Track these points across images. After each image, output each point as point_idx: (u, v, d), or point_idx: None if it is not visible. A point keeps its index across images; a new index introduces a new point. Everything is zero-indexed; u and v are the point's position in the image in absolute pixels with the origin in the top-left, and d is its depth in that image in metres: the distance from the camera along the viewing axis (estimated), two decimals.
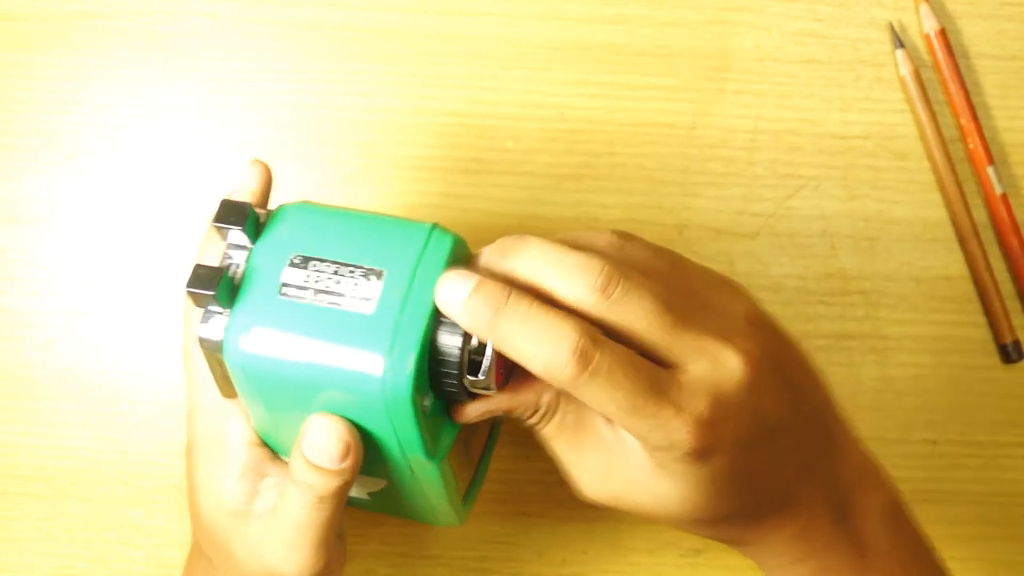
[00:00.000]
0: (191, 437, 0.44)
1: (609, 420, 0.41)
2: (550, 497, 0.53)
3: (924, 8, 0.54)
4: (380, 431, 0.39)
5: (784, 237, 0.54)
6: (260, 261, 0.38)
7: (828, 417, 0.45)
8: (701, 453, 0.38)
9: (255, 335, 0.38)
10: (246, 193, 0.43)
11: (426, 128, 0.54)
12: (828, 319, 0.54)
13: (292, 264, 0.38)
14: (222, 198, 0.39)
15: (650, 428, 0.38)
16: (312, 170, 0.54)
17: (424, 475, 0.40)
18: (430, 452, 0.39)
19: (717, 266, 0.53)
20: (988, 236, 0.54)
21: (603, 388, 0.37)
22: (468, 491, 0.45)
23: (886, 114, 0.54)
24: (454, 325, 0.38)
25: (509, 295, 0.38)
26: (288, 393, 0.39)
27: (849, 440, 0.45)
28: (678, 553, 0.53)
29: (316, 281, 0.38)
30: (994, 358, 0.54)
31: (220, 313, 0.38)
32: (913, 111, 0.54)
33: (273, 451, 0.42)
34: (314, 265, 0.38)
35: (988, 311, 0.54)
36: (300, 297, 0.38)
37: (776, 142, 0.54)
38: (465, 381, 0.38)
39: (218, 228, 0.38)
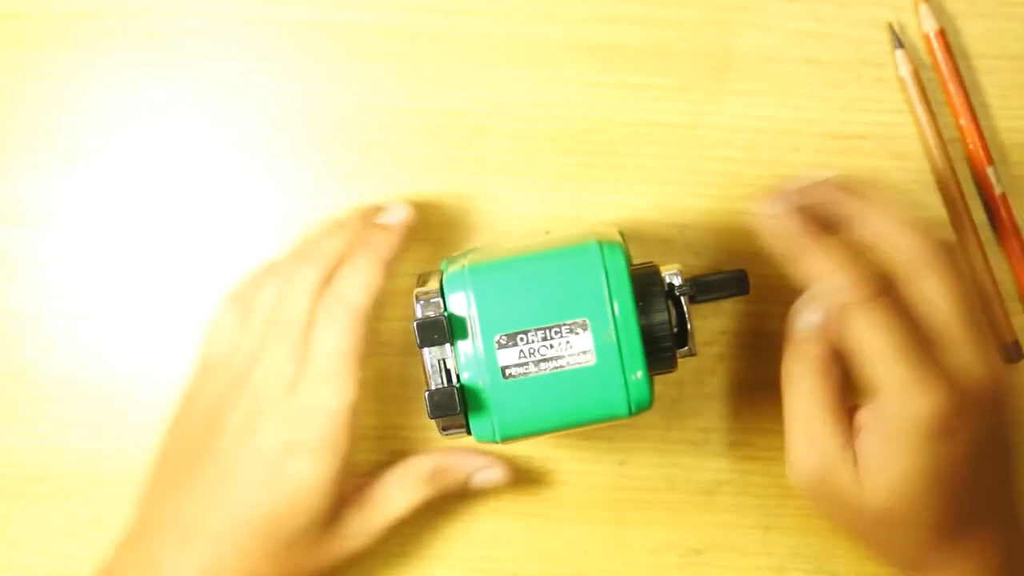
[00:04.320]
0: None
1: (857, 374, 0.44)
2: (550, 497, 0.53)
3: (924, 8, 0.54)
4: None
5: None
6: (470, 357, 0.41)
7: (1012, 468, 0.47)
8: (942, 428, 0.42)
9: (503, 426, 0.41)
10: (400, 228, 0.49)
11: (426, 128, 0.54)
12: None
13: (500, 346, 0.41)
14: (416, 322, 0.41)
15: (910, 380, 0.42)
16: (312, 170, 0.54)
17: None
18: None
19: (718, 266, 0.53)
20: (988, 236, 0.54)
21: (881, 323, 0.42)
22: None
23: (886, 114, 0.54)
24: (660, 307, 0.41)
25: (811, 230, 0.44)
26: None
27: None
28: (678, 553, 0.53)
29: (531, 353, 0.41)
30: None
31: (460, 427, 0.42)
32: (913, 111, 0.54)
33: None
34: (520, 339, 0.41)
35: (988, 312, 0.54)
36: (524, 373, 0.41)
37: (776, 142, 0.54)
38: (677, 353, 0.43)
39: (428, 351, 0.41)
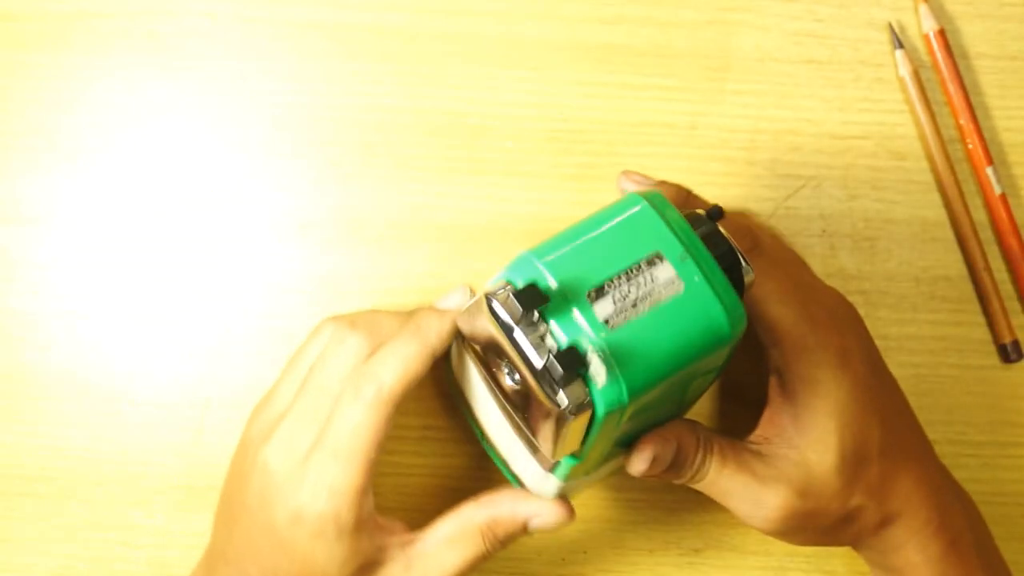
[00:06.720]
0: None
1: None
2: None
3: (923, 8, 0.54)
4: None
5: (784, 237, 0.54)
6: (569, 322, 0.39)
7: (902, 396, 0.49)
8: (842, 351, 0.45)
9: (629, 379, 0.39)
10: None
11: (426, 128, 0.54)
12: None
13: (591, 299, 0.40)
14: (513, 293, 0.39)
15: (807, 318, 0.45)
16: (312, 170, 0.54)
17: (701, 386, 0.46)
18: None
19: None
20: (987, 236, 0.54)
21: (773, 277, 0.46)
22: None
23: (885, 114, 0.54)
24: (711, 227, 0.42)
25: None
26: (654, 400, 0.42)
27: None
28: (678, 553, 0.53)
29: (623, 298, 0.40)
30: (993, 358, 0.54)
31: (586, 399, 0.39)
32: (912, 111, 0.54)
33: None
34: (608, 287, 0.40)
35: (987, 311, 0.54)
36: (625, 319, 0.40)
37: (776, 142, 0.54)
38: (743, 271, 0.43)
39: (520, 331, 0.39)
